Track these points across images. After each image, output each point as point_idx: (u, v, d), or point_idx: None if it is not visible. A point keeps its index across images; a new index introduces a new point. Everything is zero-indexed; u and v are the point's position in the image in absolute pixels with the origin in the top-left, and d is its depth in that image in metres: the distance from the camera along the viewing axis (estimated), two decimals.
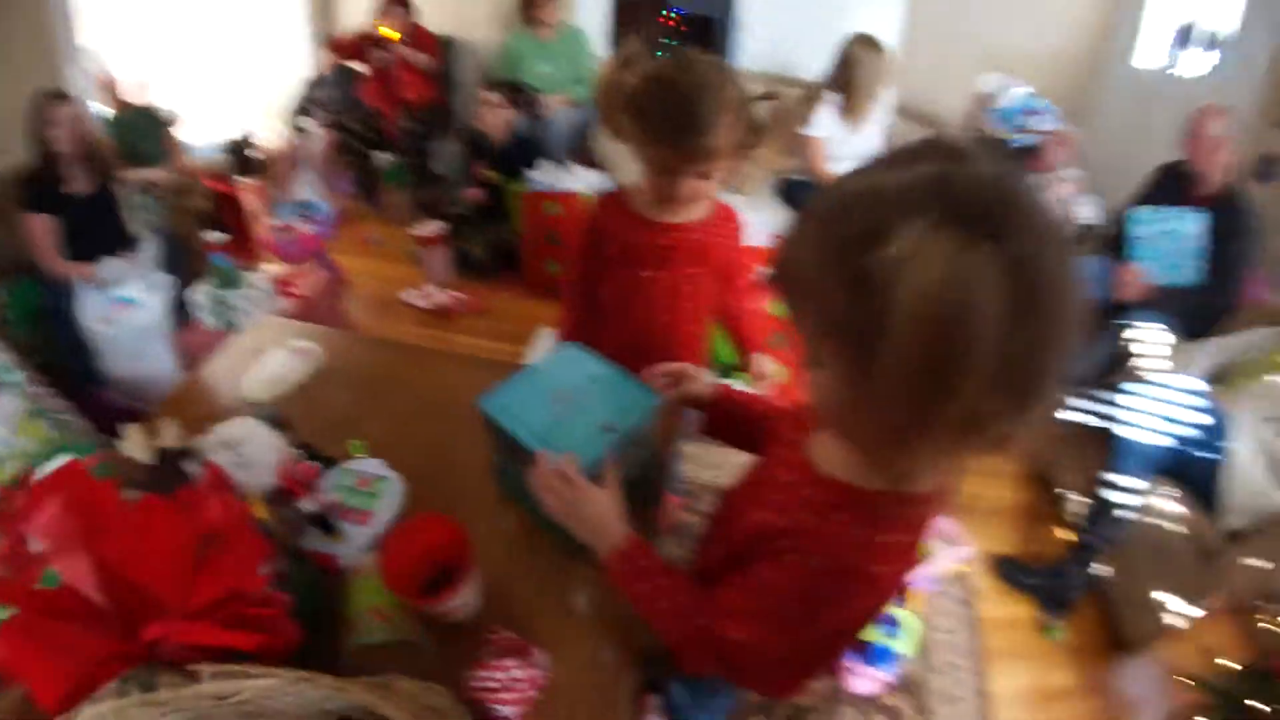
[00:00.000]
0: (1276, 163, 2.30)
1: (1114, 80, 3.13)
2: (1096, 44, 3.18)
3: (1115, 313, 1.97)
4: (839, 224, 0.41)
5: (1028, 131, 2.84)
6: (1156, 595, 1.55)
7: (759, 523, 0.60)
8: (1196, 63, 2.79)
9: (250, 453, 0.87)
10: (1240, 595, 1.44)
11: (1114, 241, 2.14)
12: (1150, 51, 3.01)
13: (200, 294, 2.09)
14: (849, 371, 0.44)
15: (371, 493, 0.87)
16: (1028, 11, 3.17)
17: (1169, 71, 2.90)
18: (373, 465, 0.92)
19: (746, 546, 0.61)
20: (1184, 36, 2.85)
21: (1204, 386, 1.69)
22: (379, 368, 1.17)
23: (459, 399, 0.85)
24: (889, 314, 0.38)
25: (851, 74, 2.47)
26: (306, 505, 0.82)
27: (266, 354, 1.13)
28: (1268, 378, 1.71)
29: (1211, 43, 2.73)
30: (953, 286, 0.37)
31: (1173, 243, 1.99)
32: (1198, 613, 1.49)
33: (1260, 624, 1.36)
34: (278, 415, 0.95)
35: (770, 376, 1.23)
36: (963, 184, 0.39)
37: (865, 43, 2.46)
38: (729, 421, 0.85)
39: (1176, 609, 1.52)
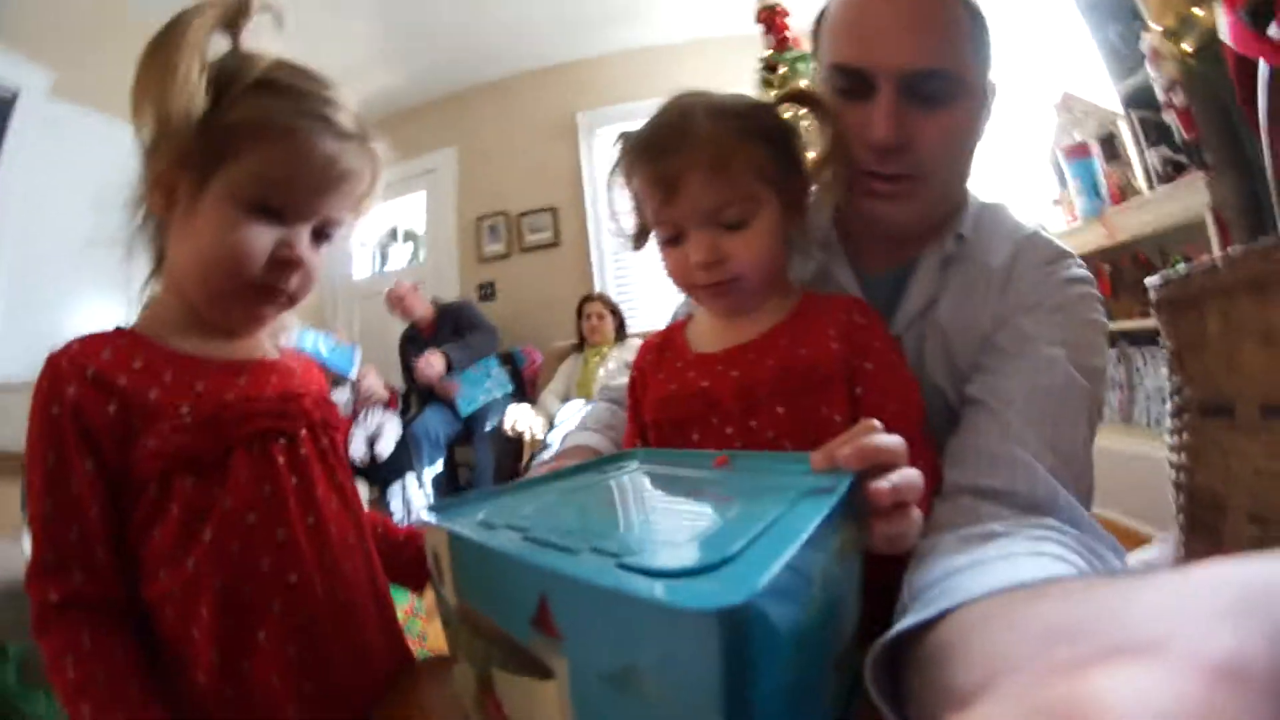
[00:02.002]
0: (490, 285, 3.69)
1: (347, 294, 3.85)
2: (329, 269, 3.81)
3: None
4: (749, 117, 0.57)
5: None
6: None
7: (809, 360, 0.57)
8: (398, 257, 3.95)
9: None
10: None
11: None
12: (362, 263, 3.94)
13: None
14: (782, 206, 0.58)
15: None
16: None
17: (380, 272, 3.91)
18: None
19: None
20: (384, 244, 3.98)
21: None
22: None
23: None
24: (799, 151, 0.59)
25: None
26: None
27: None
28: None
29: (406, 238, 3.95)
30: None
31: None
32: None
33: None
34: None
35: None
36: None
37: None
38: None
39: None
